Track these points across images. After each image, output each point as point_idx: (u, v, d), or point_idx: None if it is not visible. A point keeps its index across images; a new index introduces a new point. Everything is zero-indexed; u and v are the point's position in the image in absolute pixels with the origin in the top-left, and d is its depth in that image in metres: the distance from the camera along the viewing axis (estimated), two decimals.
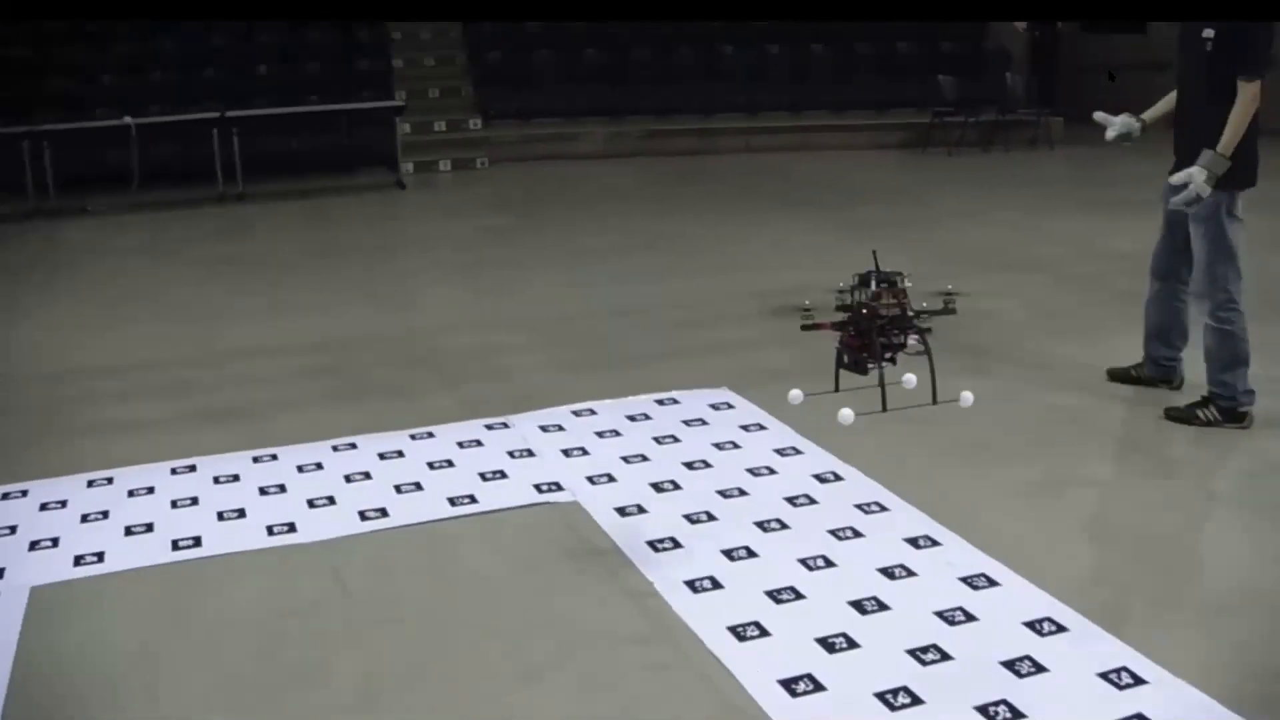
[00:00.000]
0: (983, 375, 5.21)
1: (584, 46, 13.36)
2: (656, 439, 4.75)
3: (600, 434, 4.83)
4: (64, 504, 4.43)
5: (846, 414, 3.33)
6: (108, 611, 3.66)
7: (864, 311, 3.45)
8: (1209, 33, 4.30)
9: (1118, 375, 5.18)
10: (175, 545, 4.09)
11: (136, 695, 3.16)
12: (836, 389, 3.55)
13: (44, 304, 7.51)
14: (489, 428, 4.96)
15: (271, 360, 6.03)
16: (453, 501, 4.30)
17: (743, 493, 4.24)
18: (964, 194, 10.63)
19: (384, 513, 4.24)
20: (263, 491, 4.45)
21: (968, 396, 3.46)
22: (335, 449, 4.82)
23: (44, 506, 4.42)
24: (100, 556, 4.02)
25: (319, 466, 4.65)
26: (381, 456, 4.71)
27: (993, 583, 3.54)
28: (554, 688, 3.10)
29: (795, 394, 3.50)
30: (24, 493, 4.53)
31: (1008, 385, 5.23)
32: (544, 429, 4.92)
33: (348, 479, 4.53)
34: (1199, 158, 4.32)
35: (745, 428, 4.81)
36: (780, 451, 4.58)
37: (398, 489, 4.42)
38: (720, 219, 9.40)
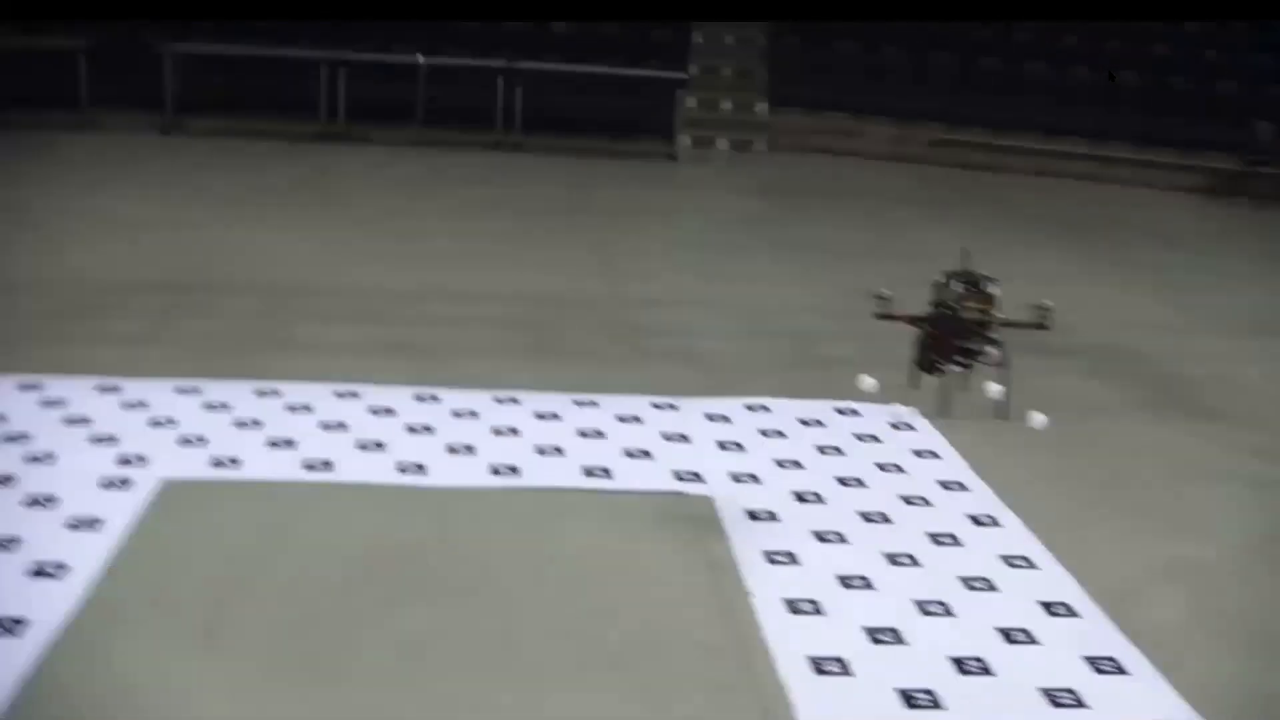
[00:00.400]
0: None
1: (881, 44, 12.93)
2: (820, 448, 4.47)
3: (764, 432, 4.58)
4: (225, 406, 4.50)
5: (870, 383, 3.45)
6: (217, 520, 3.71)
7: (944, 310, 3.28)
8: None
9: None
10: (308, 466, 4.07)
11: (204, 612, 3.14)
12: (917, 385, 3.57)
13: (297, 220, 7.80)
14: (655, 407, 4.78)
15: (473, 305, 6.06)
16: (588, 472, 4.15)
17: (886, 519, 3.92)
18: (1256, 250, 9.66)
19: (515, 471, 4.13)
20: (410, 430, 4.42)
21: (1040, 419, 3.41)
22: (497, 400, 4.74)
23: (209, 406, 4.51)
24: (236, 461, 4.05)
25: (474, 414, 4.59)
26: (538, 416, 4.61)
27: (1121, 670, 3.12)
28: (601, 689, 2.91)
29: (870, 382, 3.54)
30: (196, 389, 4.61)
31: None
32: (709, 417, 4.71)
33: (496, 432, 4.45)
34: None
35: (918, 453, 4.46)
36: (944, 484, 4.22)
37: (540, 450, 4.30)
38: (992, 243, 8.81)
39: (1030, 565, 3.68)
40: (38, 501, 3.75)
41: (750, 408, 4.82)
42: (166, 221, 7.71)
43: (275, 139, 10.85)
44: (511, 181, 9.86)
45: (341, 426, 4.44)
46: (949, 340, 3.31)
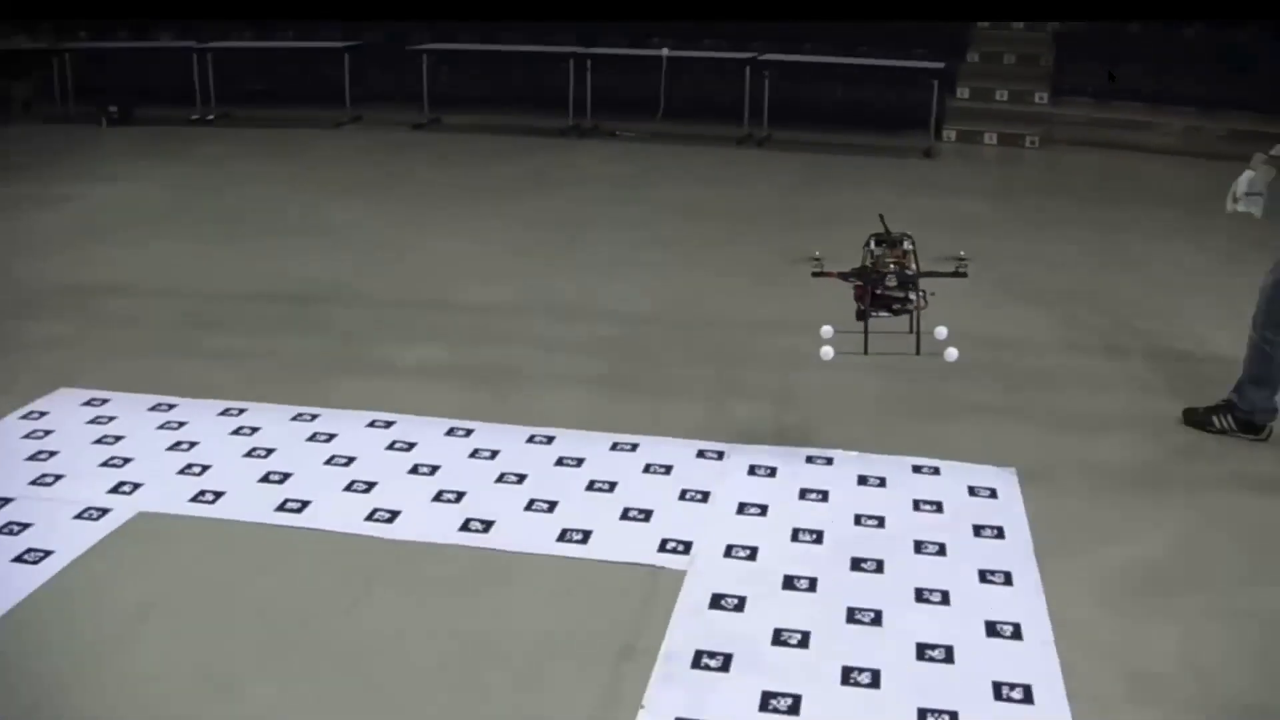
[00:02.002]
0: None
1: (1184, 24, 11.49)
2: (860, 516, 3.78)
3: (805, 493, 3.93)
4: (245, 432, 4.42)
5: (827, 350, 3.87)
6: (173, 564, 3.55)
7: (867, 267, 3.92)
8: None
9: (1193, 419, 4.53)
10: (282, 507, 3.83)
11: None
12: (865, 351, 3.94)
13: (467, 224, 7.75)
14: (700, 455, 4.22)
15: (577, 325, 5.64)
16: (563, 535, 3.64)
17: (876, 621, 3.22)
18: None
19: (486, 528, 3.70)
20: (414, 470, 4.09)
21: (952, 352, 3.86)
22: (531, 439, 4.30)
23: (236, 432, 4.40)
24: (219, 495, 3.92)
25: (475, 454, 4.21)
26: (560, 462, 4.16)
27: None
28: None
29: (826, 350, 3.88)
30: (235, 411, 4.48)
31: None
32: (752, 470, 4.10)
33: (500, 479, 4.02)
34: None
35: (977, 529, 3.70)
36: (985, 575, 3.46)
37: (529, 505, 3.85)
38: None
39: (1026, 699, 2.90)
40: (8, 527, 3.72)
41: (812, 459, 4.17)
42: (350, 222, 7.69)
43: (524, 134, 10.76)
44: (734, 180, 9.32)
45: (340, 462, 4.14)
46: (874, 292, 3.91)
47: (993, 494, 3.92)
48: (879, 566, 3.47)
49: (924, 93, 10.46)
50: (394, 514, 3.79)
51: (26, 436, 4.44)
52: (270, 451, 4.24)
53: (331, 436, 4.36)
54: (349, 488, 3.97)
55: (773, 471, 4.06)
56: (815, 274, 4.01)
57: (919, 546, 3.58)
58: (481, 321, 5.66)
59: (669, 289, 6.21)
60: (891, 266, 3.91)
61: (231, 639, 3.15)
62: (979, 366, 5.04)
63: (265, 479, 4.04)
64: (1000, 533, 3.66)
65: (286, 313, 5.84)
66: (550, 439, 4.31)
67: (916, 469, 4.10)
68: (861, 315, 3.95)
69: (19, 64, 12.51)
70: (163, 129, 11.49)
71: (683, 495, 3.89)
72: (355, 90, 11.76)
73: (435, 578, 3.44)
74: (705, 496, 3.88)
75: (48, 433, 4.46)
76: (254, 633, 3.17)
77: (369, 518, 3.77)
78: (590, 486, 3.96)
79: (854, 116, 11.16)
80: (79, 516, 3.82)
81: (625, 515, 3.77)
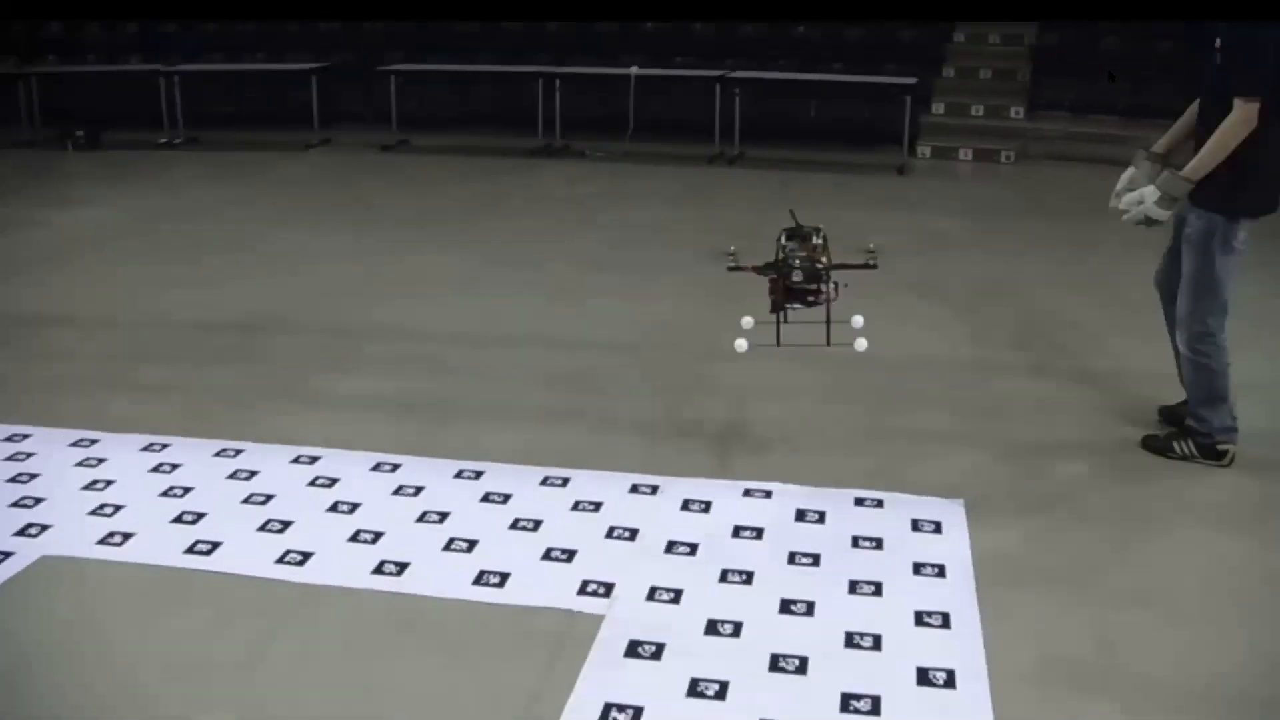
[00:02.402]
0: None
1: (1159, 37, 11.37)
2: (794, 554, 3.61)
3: (740, 530, 3.76)
4: (166, 469, 4.20)
5: (741, 343, 4.01)
6: (71, 610, 3.39)
7: (781, 261, 4.04)
8: (1219, 41, 3.84)
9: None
10: (191, 550, 3.65)
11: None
12: (778, 343, 4.10)
13: (422, 247, 7.58)
14: (634, 489, 4.05)
15: (523, 351, 5.53)
16: (480, 578, 3.48)
17: (801, 669, 3.04)
18: None
19: (400, 570, 3.52)
20: (333, 509, 3.92)
21: (862, 343, 4.01)
22: (459, 474, 4.12)
23: (157, 469, 4.18)
24: (127, 538, 3.76)
25: (398, 491, 4.06)
26: (485, 498, 4.00)
27: None
28: None
29: (741, 343, 4.03)
30: (158, 446, 4.34)
31: None
32: (686, 505, 3.93)
33: (421, 518, 3.86)
34: (1159, 176, 3.99)
35: (917, 567, 3.53)
36: (921, 617, 3.28)
37: (448, 545, 3.68)
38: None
39: None
40: None
41: (749, 492, 3.99)
42: (305, 248, 7.53)
43: (493, 155, 10.62)
44: (702, 200, 9.16)
45: (258, 500, 3.97)
46: (787, 285, 4.03)
47: (937, 528, 3.75)
48: (809, 609, 3.30)
49: (898, 108, 10.31)
50: (306, 555, 3.62)
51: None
52: (187, 490, 4.08)
53: (253, 474, 4.19)
54: (263, 527, 3.80)
55: (707, 507, 3.89)
56: (730, 268, 4.16)
57: (854, 586, 3.41)
58: (426, 351, 5.50)
59: (625, 315, 6.05)
60: (797, 261, 4.03)
61: (122, 689, 2.99)
62: (935, 391, 4.89)
63: (179, 519, 3.88)
64: (941, 571, 3.48)
65: (228, 343, 5.68)
66: (479, 474, 4.14)
67: (859, 501, 3.93)
68: (775, 308, 4.08)
69: None
70: (130, 153, 11.35)
71: (610, 533, 3.72)
72: (325, 112, 11.64)
73: (341, 624, 3.27)
74: (633, 534, 3.71)
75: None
76: (146, 682, 3.00)
77: (280, 559, 3.60)
78: (514, 525, 3.79)
79: (827, 133, 11.04)
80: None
81: (547, 555, 3.60)
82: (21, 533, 3.82)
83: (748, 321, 4.02)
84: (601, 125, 11.02)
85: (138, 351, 5.57)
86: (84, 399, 4.95)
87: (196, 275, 6.95)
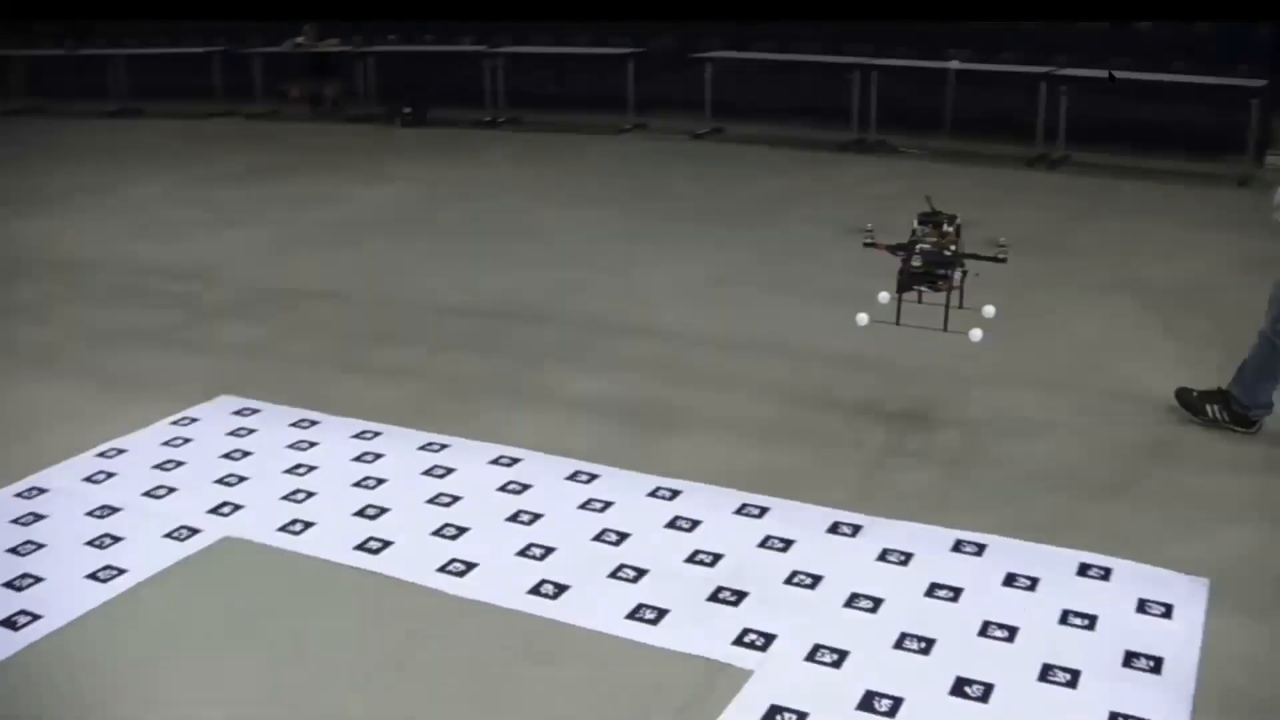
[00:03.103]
0: None
1: None
2: (988, 624, 3.19)
3: (935, 588, 3.36)
4: (369, 458, 4.12)
5: (863, 316, 4.19)
6: (230, 596, 3.41)
7: (913, 243, 4.16)
8: None
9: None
10: (362, 548, 3.62)
11: None
12: (898, 322, 4.25)
13: (718, 244, 7.37)
14: (834, 528, 3.71)
15: (757, 363, 5.21)
16: (636, 611, 3.28)
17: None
18: None
19: (557, 594, 3.39)
20: (514, 518, 3.76)
21: (977, 333, 4.07)
22: (655, 492, 3.92)
23: (361, 459, 4.16)
24: (306, 527, 3.77)
25: (586, 505, 3.84)
26: (672, 523, 3.78)
27: None
28: None
29: (862, 316, 4.20)
30: (369, 433, 4.38)
31: None
32: (884, 555, 3.57)
33: (599, 536, 3.68)
34: None
35: (1130, 658, 3.05)
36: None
37: (615, 571, 3.50)
38: None
39: None
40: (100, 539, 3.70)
41: (959, 545, 3.57)
42: (578, 236, 7.48)
43: (803, 148, 10.32)
44: (1007, 205, 8.46)
45: (444, 501, 3.88)
46: (910, 268, 4.17)
47: (1166, 612, 3.21)
48: (985, 694, 2.87)
49: (1245, 113, 9.30)
50: (469, 566, 3.48)
51: (165, 443, 4.41)
52: (380, 483, 4.03)
53: (449, 471, 4.10)
54: (438, 531, 3.70)
55: (906, 559, 3.48)
56: (866, 244, 4.27)
57: (1046, 672, 2.95)
58: (669, 353, 5.30)
59: (886, 329, 5.60)
60: (918, 245, 4.15)
61: (256, 683, 2.96)
62: (1210, 445, 4.27)
63: (361, 512, 3.83)
64: (1157, 666, 2.97)
65: (474, 329, 5.67)
66: (674, 494, 3.88)
67: (1083, 569, 3.42)
68: (900, 287, 4.20)
69: (330, 65, 13.04)
70: (452, 130, 11.70)
71: (790, 578, 3.39)
72: (643, 97, 11.59)
73: (478, 644, 3.10)
74: (815, 582, 3.36)
75: (185, 442, 4.43)
76: (284, 678, 2.97)
77: (443, 568, 3.48)
78: (692, 557, 3.50)
79: (1163, 137, 10.07)
80: (168, 535, 3.74)
81: (715, 595, 3.31)
82: (215, 510, 3.87)
83: (863, 319, 4.19)
84: (918, 120, 10.48)
85: (385, 332, 5.62)
86: (318, 377, 5.03)
87: (469, 257, 7.01)
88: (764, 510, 3.78)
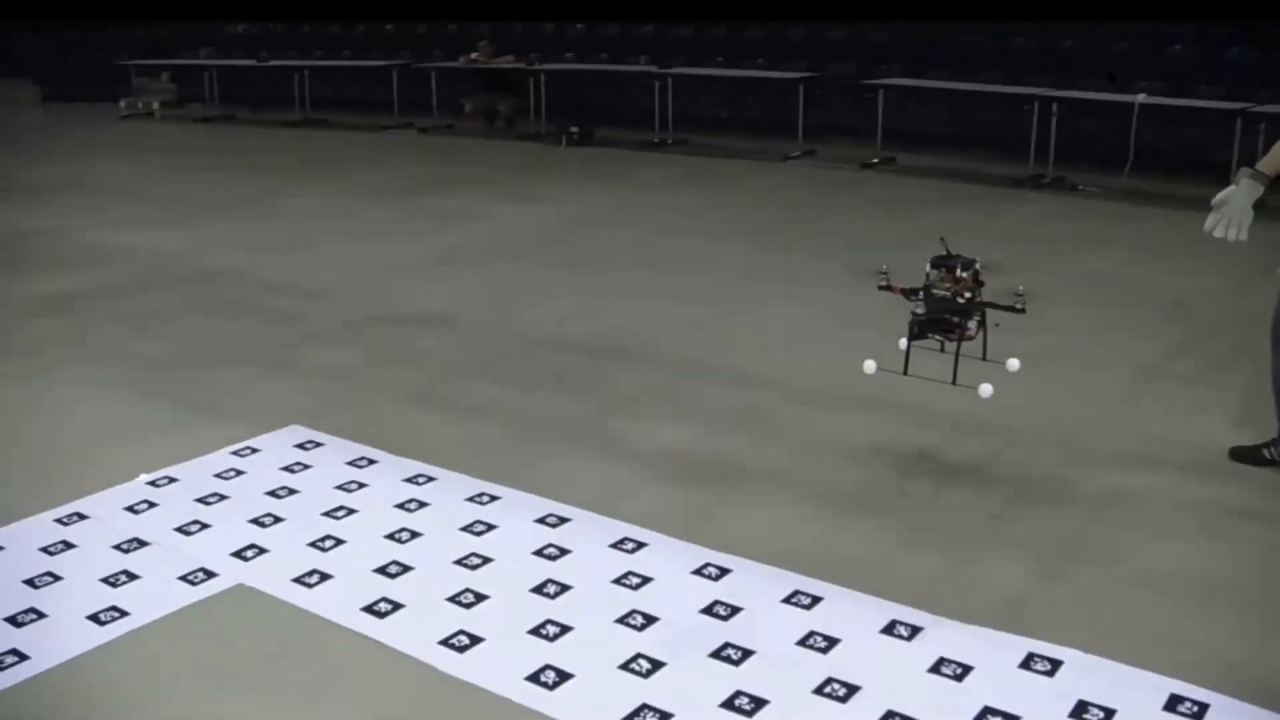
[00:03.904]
0: None
1: None
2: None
3: (987, 715, 2.92)
4: (416, 506, 3.88)
5: (870, 364, 4.06)
6: (221, 652, 3.18)
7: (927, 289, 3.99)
8: None
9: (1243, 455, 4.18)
10: (370, 610, 3.35)
11: None
12: (905, 372, 4.08)
13: (849, 286, 6.85)
14: (889, 629, 3.28)
15: (857, 419, 4.74)
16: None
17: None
18: None
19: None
20: (541, 589, 3.47)
21: (987, 389, 3.90)
22: (701, 570, 3.55)
23: (406, 506, 3.93)
24: (324, 580, 3.54)
25: (620, 580, 3.50)
26: (710, 609, 3.40)
27: None
28: None
29: (870, 364, 4.05)
30: (422, 479, 4.13)
31: None
32: (938, 665, 3.12)
33: (624, 619, 3.33)
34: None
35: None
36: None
37: (628, 663, 3.14)
38: None
39: None
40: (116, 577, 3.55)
41: (1031, 660, 3.11)
42: (710, 270, 7.15)
43: (975, 182, 9.77)
44: (1181, 254, 7.73)
45: (473, 563, 3.63)
46: (915, 315, 4.01)
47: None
48: None
49: None
50: (473, 641, 3.17)
51: (218, 474, 4.27)
52: (413, 536, 3.79)
53: (489, 528, 3.82)
54: (455, 598, 3.42)
55: (962, 673, 3.05)
56: (880, 287, 4.13)
57: None
58: (759, 404, 4.93)
59: (1021, 387, 5.07)
60: (935, 291, 3.98)
61: None
62: None
63: (383, 569, 3.58)
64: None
65: (569, 365, 5.39)
66: (721, 573, 3.52)
67: (1173, 703, 2.92)
68: (913, 335, 4.05)
69: (504, 82, 13.02)
70: (616, 151, 11.51)
71: (823, 686, 2.98)
72: (814, 123, 11.19)
73: None
74: (850, 693, 2.94)
75: (237, 474, 4.27)
76: None
77: (445, 640, 3.17)
78: (719, 651, 3.13)
79: None
80: (183, 578, 3.56)
81: (731, 701, 2.94)
82: (239, 553, 3.69)
83: (870, 366, 4.06)
84: (1100, 157, 9.78)
85: (480, 364, 5.42)
86: (394, 411, 4.86)
87: (593, 285, 6.75)
88: (815, 600, 3.37)
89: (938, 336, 4.06)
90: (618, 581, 3.48)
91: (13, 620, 3.33)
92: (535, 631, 3.22)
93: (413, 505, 3.98)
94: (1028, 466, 4.26)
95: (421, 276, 7.01)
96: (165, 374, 5.35)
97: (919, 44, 11.35)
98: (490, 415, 4.81)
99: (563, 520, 3.85)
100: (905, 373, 4.05)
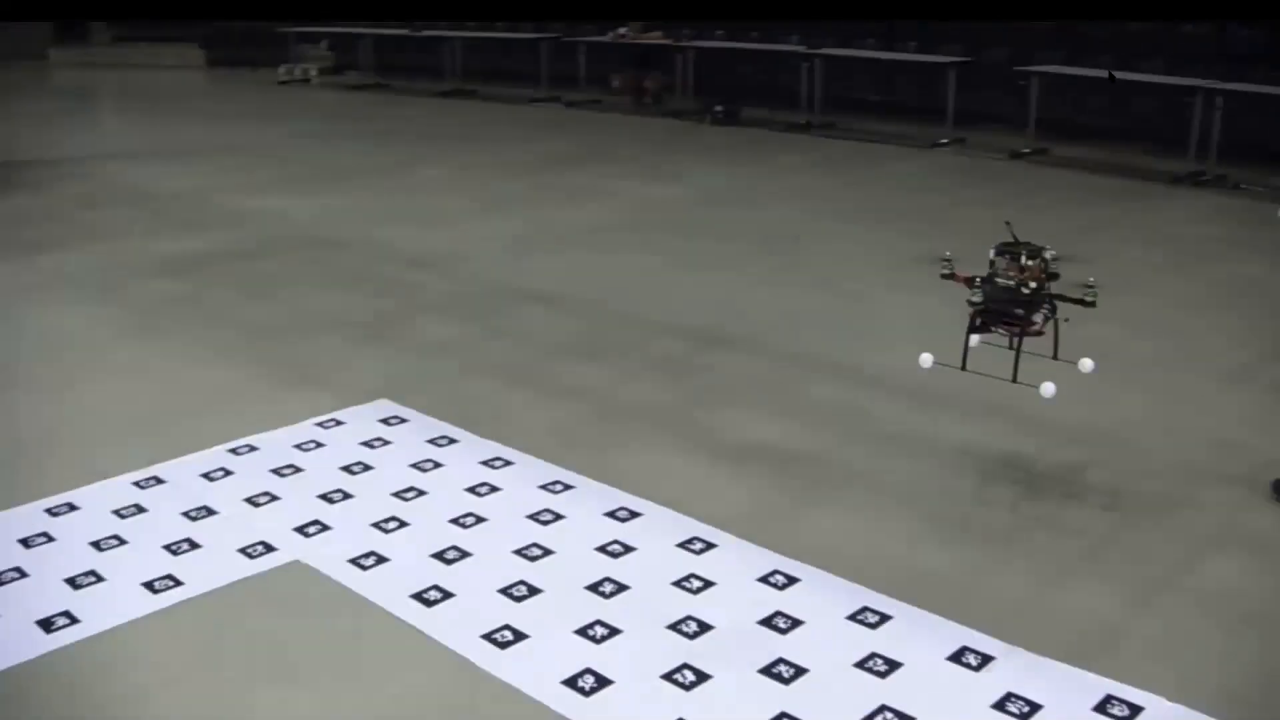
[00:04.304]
0: None
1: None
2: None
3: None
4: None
5: (926, 358, 3.87)
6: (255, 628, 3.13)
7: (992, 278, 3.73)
8: None
9: None
10: (417, 596, 3.26)
11: None
12: (963, 367, 3.83)
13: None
14: (957, 656, 3.08)
15: (964, 425, 4.45)
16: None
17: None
18: None
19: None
20: (599, 585, 3.34)
21: (1049, 387, 3.62)
22: (770, 578, 3.40)
23: (475, 488, 3.93)
24: (374, 556, 3.46)
25: (683, 582, 3.36)
26: (769, 621, 3.22)
27: None
28: None
29: (926, 358, 3.85)
30: (503, 461, 4.02)
31: None
32: (1004, 704, 2.90)
33: (677, 625, 3.19)
34: None
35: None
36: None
37: (73, 583, 3.27)
38: None
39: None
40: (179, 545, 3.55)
41: (1105, 705, 2.87)
42: (823, 261, 6.91)
43: (1132, 177, 9.32)
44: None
45: (533, 554, 3.50)
46: (973, 305, 3.76)
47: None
48: None
49: None
50: (517, 638, 3.07)
51: (297, 446, 4.25)
52: (479, 522, 3.73)
53: (555, 519, 3.73)
54: (506, 590, 3.32)
55: (1030, 710, 2.81)
56: (944, 275, 3.92)
57: None
58: (860, 400, 4.72)
59: (1132, 395, 4.77)
60: (980, 281, 3.78)
61: None
62: None
63: (440, 554, 3.50)
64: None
65: (675, 351, 5.25)
66: (789, 581, 3.35)
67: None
68: (972, 328, 3.82)
69: (652, 58, 12.88)
70: (761, 132, 11.30)
71: (874, 716, 2.77)
72: (966, 110, 10.80)
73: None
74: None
75: (317, 447, 4.24)
76: None
77: (488, 635, 3.08)
78: (770, 668, 2.97)
79: None
80: (243, 550, 3.51)
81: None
82: (302, 529, 3.65)
83: (926, 360, 3.87)
84: (1269, 155, 9.21)
85: (584, 345, 5.32)
86: (488, 390, 4.79)
87: (704, 270, 6.59)
88: (883, 619, 3.17)
89: (1000, 329, 3.82)
90: (678, 584, 3.33)
91: (71, 582, 3.33)
92: (582, 632, 3.10)
93: (484, 489, 3.88)
94: (1148, 485, 3.95)
95: (539, 252, 6.93)
96: (270, 340, 5.37)
97: (1078, 31, 10.84)
98: (581, 398, 4.70)
99: (634, 515, 3.72)
100: (964, 367, 3.81)
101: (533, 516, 3.70)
